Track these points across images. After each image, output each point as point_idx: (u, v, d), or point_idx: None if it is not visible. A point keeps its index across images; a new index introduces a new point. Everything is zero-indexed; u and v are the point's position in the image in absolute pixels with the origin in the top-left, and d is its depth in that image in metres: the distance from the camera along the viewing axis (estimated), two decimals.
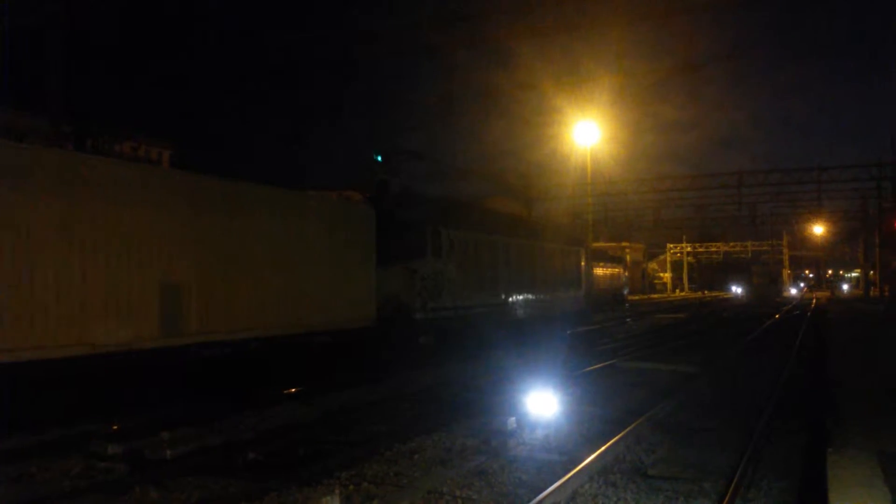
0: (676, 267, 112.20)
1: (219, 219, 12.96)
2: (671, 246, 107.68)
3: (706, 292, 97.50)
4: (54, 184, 10.48)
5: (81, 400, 10.63)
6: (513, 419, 10.45)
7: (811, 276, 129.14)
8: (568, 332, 26.38)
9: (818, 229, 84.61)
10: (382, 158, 26.50)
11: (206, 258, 12.61)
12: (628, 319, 39.46)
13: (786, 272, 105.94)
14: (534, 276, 24.58)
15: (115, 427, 10.77)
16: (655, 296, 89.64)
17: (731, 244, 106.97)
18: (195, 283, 12.32)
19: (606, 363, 18.54)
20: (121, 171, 12.00)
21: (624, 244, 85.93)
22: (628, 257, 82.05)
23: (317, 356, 15.09)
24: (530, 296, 23.95)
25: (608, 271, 54.71)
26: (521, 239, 24.15)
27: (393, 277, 17.63)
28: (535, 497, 7.33)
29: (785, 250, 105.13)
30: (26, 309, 9.95)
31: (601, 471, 8.64)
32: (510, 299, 22.65)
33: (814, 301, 65.49)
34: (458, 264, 19.50)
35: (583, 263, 30.75)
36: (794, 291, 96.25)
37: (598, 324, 33.57)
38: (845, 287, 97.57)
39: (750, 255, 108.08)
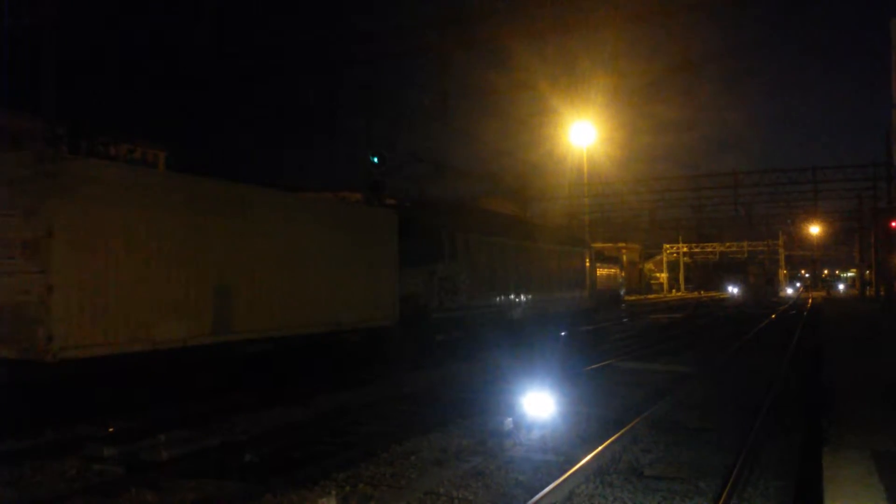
0: (673, 267, 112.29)
1: (261, 225, 13.89)
2: (667, 246, 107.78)
3: (702, 292, 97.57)
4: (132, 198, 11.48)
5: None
6: (510, 420, 10.45)
7: (807, 275, 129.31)
8: (566, 332, 26.42)
9: (814, 229, 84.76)
10: (378, 159, 26.50)
11: (249, 262, 13.46)
12: (625, 320, 39.51)
13: (782, 272, 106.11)
14: (541, 277, 25.63)
15: (110, 429, 10.75)
16: (652, 296, 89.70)
17: (728, 244, 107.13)
18: (242, 286, 13.22)
19: (603, 363, 18.55)
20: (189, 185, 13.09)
21: (620, 245, 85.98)
22: (625, 258, 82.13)
23: (346, 352, 16.15)
24: (538, 296, 24.81)
25: (604, 272, 54.73)
26: (528, 241, 25.23)
27: (413, 278, 18.44)
28: (531, 497, 7.33)
29: (781, 250, 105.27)
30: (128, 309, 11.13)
31: (598, 471, 8.65)
32: (519, 299, 23.53)
33: (810, 301, 65.61)
34: (472, 266, 20.57)
35: (587, 264, 31.76)
36: (790, 291, 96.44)
37: (594, 324, 33.62)
38: (841, 287, 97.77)
39: (746, 255, 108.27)
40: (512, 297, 23.05)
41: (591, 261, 32.47)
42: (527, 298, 23.93)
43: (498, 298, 22.15)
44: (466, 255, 20.24)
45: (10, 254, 10.42)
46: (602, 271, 53.69)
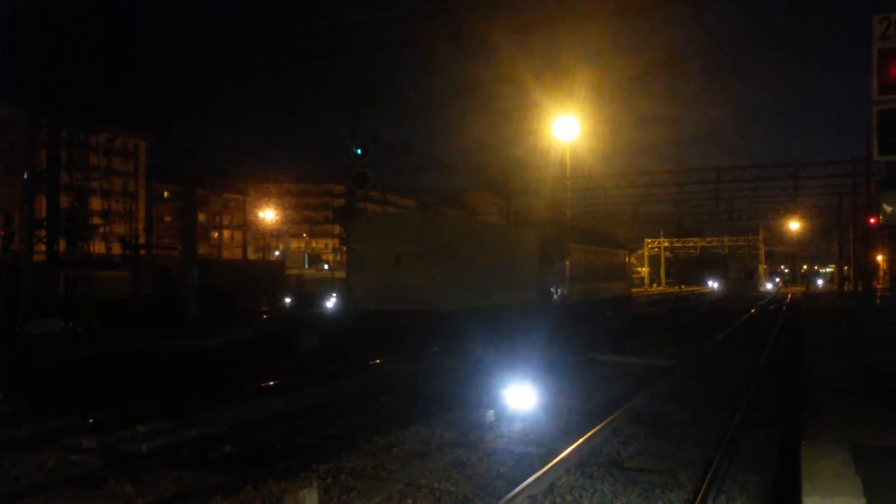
0: (654, 262, 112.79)
1: (482, 245, 24.23)
2: (649, 241, 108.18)
3: (683, 287, 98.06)
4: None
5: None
6: (491, 412, 10.47)
7: (787, 271, 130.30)
8: (548, 326, 26.66)
9: (794, 225, 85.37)
10: (361, 151, 26.41)
11: (476, 267, 23.08)
12: (607, 313, 39.66)
13: (762, 267, 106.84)
14: (605, 271, 37.51)
15: (90, 420, 10.67)
16: (633, 290, 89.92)
17: (708, 239, 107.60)
18: (476, 279, 22.94)
19: (585, 357, 18.61)
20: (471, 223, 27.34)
21: None
22: None
23: (513, 318, 24.05)
24: (603, 284, 36.93)
25: None
26: (597, 246, 37.37)
27: (541, 273, 28.03)
28: (512, 489, 7.35)
29: (761, 245, 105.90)
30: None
31: (578, 463, 8.68)
32: (595, 286, 35.03)
33: (789, 296, 66.13)
34: (572, 264, 31.09)
35: (626, 261, 44.98)
36: (769, 286, 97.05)
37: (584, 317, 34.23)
38: (820, 282, 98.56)
39: (727, 250, 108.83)
40: (591, 285, 34.00)
41: (628, 259, 45.35)
42: (598, 286, 35.24)
43: (585, 286, 32.91)
44: (568, 257, 30.75)
45: (410, 259, 20.85)
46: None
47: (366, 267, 21.60)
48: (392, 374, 16.08)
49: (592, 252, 35.49)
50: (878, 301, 42.93)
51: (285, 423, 10.97)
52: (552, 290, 28.78)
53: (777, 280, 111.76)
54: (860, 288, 48.08)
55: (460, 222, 24.43)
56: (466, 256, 22.54)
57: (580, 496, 7.60)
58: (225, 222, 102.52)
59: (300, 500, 6.46)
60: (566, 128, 41.56)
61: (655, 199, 54.48)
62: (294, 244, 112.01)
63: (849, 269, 64.12)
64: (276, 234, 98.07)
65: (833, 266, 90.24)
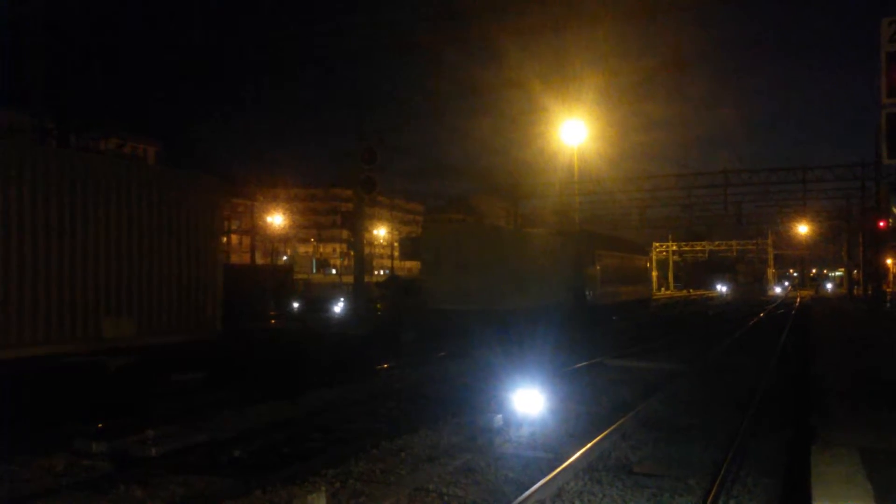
0: (662, 266, 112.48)
1: (527, 255, 26.74)
2: (657, 244, 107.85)
3: (691, 291, 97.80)
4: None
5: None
6: (499, 416, 10.45)
7: (795, 274, 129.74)
8: (556, 330, 26.70)
9: (803, 228, 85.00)
10: (369, 156, 26.44)
11: (519, 274, 24.92)
12: (614, 317, 39.59)
13: (770, 271, 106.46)
14: (629, 275, 40.52)
15: (99, 425, 10.70)
16: None
17: (717, 243, 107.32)
18: (517, 285, 24.59)
19: (593, 361, 18.59)
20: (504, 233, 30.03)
21: None
22: None
23: (551, 316, 25.44)
24: (628, 287, 39.95)
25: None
26: (623, 252, 40.32)
27: (575, 276, 30.78)
28: (521, 494, 7.34)
29: (769, 249, 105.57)
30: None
31: (587, 468, 8.67)
32: (621, 289, 38.28)
33: (798, 300, 65.86)
34: (601, 269, 34.09)
35: (648, 265, 48.69)
36: (778, 290, 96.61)
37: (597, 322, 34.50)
38: (829, 286, 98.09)
39: (735, 253, 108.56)
40: (618, 288, 37.27)
41: (648, 263, 48.79)
42: (624, 289, 38.63)
43: (613, 289, 36.07)
44: (599, 262, 33.78)
45: (476, 265, 22.88)
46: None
47: (436, 272, 24.37)
48: (401, 378, 16.07)
49: (618, 257, 38.34)
50: (888, 305, 42.71)
51: (294, 428, 10.99)
52: (585, 292, 31.72)
53: (786, 284, 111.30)
54: (870, 292, 47.79)
55: (515, 233, 30.20)
56: (520, 263, 25.46)
57: (589, 501, 7.59)
58: (233, 227, 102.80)
59: None
60: (574, 131, 41.50)
61: (663, 202, 54.31)
62: (302, 249, 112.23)
63: (858, 272, 63.77)
64: (284, 239, 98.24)
65: (842, 270, 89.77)
